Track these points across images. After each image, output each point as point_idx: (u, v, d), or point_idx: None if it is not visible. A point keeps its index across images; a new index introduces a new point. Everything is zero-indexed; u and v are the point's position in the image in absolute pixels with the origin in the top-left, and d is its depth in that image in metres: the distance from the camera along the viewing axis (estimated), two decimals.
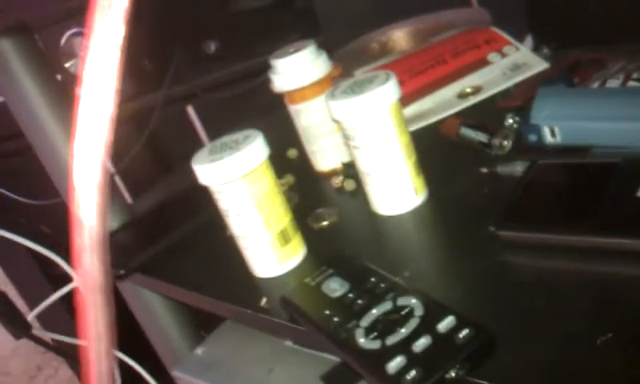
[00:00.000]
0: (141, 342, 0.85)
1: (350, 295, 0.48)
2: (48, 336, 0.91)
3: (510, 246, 0.49)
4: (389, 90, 0.55)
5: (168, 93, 1.09)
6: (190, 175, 0.55)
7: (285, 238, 0.57)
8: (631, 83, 0.60)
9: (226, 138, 0.56)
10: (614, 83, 0.61)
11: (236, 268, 0.59)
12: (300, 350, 0.72)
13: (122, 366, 0.83)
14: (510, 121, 0.64)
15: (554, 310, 0.42)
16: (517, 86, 0.74)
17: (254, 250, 0.57)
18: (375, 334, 0.43)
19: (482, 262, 0.49)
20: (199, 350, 0.80)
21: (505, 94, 0.74)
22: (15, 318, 0.83)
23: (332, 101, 0.57)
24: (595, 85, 0.63)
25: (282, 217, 0.56)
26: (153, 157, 1.25)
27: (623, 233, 0.44)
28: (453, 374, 0.38)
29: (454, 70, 0.78)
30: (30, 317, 0.84)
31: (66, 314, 1.06)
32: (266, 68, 0.70)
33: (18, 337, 0.83)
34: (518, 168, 0.57)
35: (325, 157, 0.72)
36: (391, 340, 0.42)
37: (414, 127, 0.72)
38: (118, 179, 1.08)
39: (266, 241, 0.56)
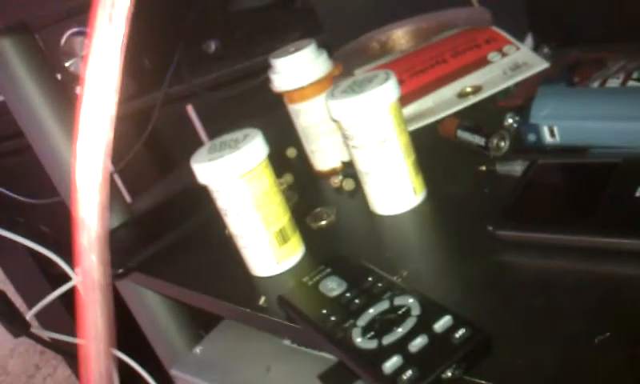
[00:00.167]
0: (139, 340, 0.85)
1: (348, 294, 0.48)
2: (46, 335, 0.91)
3: (509, 246, 0.48)
4: (388, 90, 0.55)
5: (168, 92, 1.09)
6: (190, 174, 0.55)
7: (283, 237, 0.56)
8: (631, 83, 0.60)
9: (226, 137, 0.56)
10: (613, 83, 0.61)
11: (234, 267, 0.59)
12: (298, 349, 0.72)
13: (121, 364, 0.83)
14: (510, 120, 0.64)
15: (552, 310, 0.41)
16: (517, 85, 0.74)
17: (252, 248, 0.57)
18: (372, 333, 0.43)
19: (481, 262, 0.49)
20: (197, 349, 0.80)
21: (505, 93, 0.74)
22: (14, 317, 0.83)
23: (331, 100, 0.57)
24: (595, 84, 0.62)
25: (280, 216, 0.56)
26: (152, 156, 1.25)
27: (622, 233, 0.44)
28: (449, 374, 0.38)
29: (454, 70, 0.78)
30: (29, 315, 0.84)
31: (65, 313, 1.06)
32: (265, 67, 0.70)
33: (16, 335, 0.83)
34: (517, 168, 0.56)
35: (324, 156, 0.72)
36: (388, 339, 0.42)
37: (413, 127, 0.72)
38: (117, 178, 1.08)
39: (265, 240, 0.56)
